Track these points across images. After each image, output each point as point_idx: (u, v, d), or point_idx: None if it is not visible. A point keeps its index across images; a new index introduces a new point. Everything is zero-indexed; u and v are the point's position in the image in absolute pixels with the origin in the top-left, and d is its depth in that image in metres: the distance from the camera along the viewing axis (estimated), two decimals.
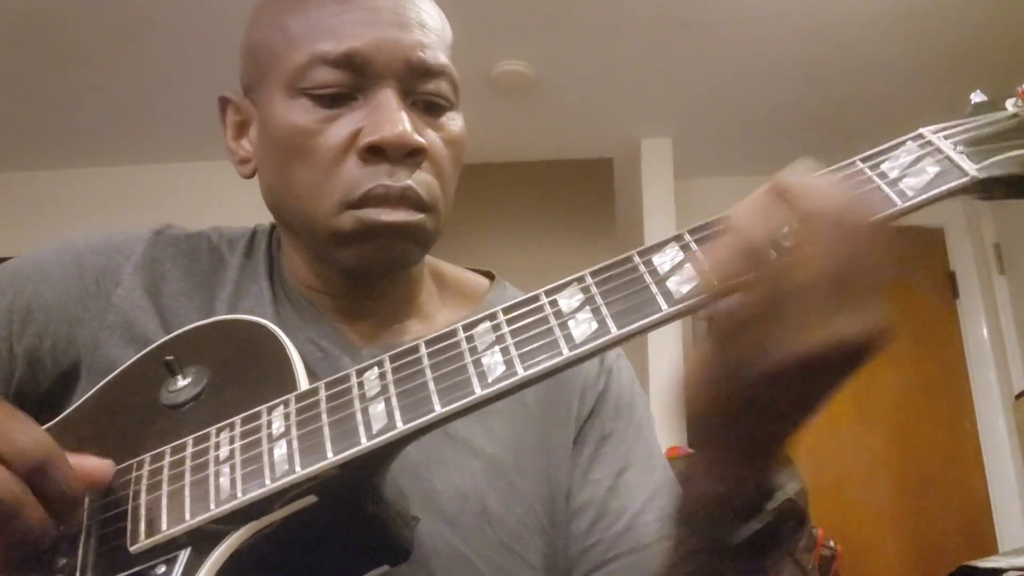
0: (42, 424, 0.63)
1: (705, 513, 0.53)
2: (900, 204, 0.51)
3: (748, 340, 0.45)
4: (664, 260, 0.51)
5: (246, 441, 0.54)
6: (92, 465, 0.54)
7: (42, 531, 0.49)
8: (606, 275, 0.52)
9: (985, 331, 3.64)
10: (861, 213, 0.45)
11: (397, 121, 0.67)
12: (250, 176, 0.77)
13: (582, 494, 0.75)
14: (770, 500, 0.52)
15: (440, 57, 0.72)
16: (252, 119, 0.76)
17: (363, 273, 0.74)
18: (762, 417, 0.48)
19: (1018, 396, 3.33)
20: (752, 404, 0.46)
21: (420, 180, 0.69)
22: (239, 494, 0.51)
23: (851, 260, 0.44)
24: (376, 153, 0.68)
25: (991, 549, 3.08)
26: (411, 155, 0.68)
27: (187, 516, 0.52)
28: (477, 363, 0.51)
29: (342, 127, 0.69)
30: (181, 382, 0.61)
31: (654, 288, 0.50)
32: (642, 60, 3.22)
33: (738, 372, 0.45)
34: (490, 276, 0.87)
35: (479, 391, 0.50)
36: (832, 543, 2.30)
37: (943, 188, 0.51)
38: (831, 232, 0.44)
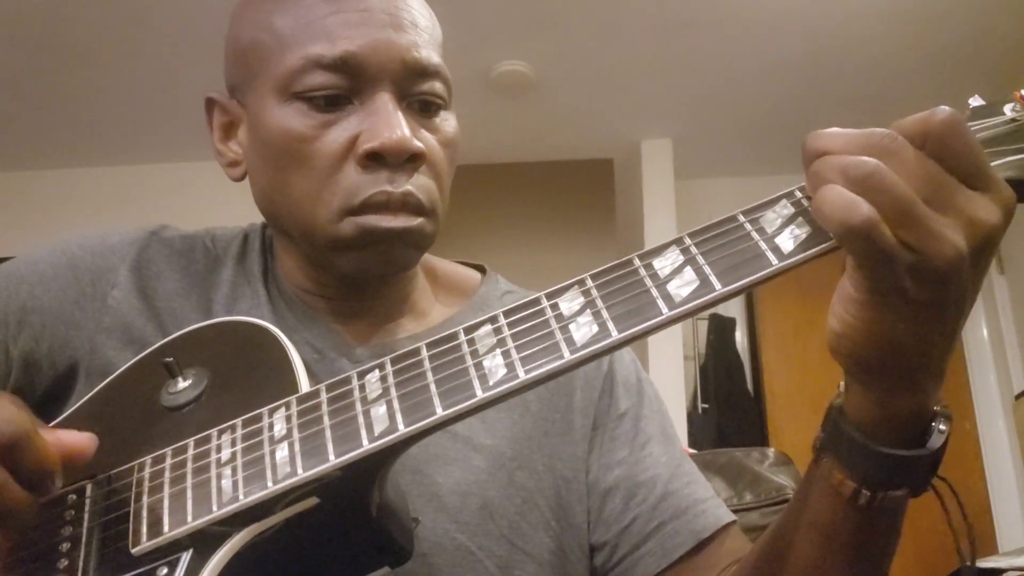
0: None
1: (863, 435, 0.54)
2: None
3: (909, 247, 0.46)
4: (664, 264, 0.51)
5: (248, 443, 0.54)
6: (73, 439, 0.54)
7: (22, 505, 0.49)
8: (607, 278, 0.52)
9: (985, 331, 3.65)
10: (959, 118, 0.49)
11: (395, 126, 0.67)
12: (240, 179, 0.76)
13: (609, 476, 0.76)
14: (928, 431, 0.57)
15: (434, 57, 0.72)
16: (240, 120, 0.75)
17: (362, 278, 0.74)
18: (923, 330, 0.49)
19: (1018, 396, 3.33)
20: (919, 314, 0.48)
21: (419, 185, 0.69)
22: (241, 496, 0.51)
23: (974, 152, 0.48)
24: (375, 159, 0.67)
25: (991, 549, 3.08)
26: (410, 160, 0.68)
27: (189, 518, 0.52)
28: (478, 366, 0.51)
29: (339, 132, 0.68)
30: (181, 384, 0.61)
31: (655, 291, 0.50)
32: (642, 60, 3.22)
33: (908, 279, 0.47)
34: (481, 270, 0.87)
35: (480, 394, 0.50)
36: None
37: None
38: (956, 135, 0.47)
